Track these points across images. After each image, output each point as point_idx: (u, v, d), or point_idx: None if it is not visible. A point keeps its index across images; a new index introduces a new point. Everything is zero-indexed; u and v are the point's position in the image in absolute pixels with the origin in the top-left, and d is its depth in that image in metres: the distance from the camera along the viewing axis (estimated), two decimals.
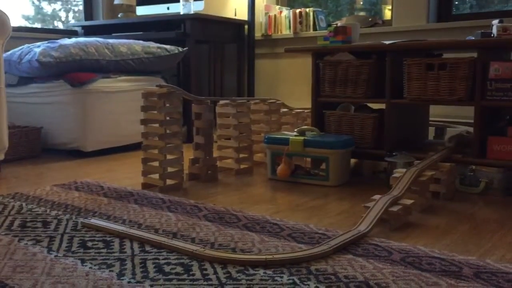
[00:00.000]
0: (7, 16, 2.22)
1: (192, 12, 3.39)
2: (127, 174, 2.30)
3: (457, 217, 1.62)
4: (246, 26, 3.67)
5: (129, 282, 1.08)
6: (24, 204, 1.73)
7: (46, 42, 2.82)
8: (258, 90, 3.79)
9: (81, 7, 4.22)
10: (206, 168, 2.15)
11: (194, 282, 1.08)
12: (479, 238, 1.41)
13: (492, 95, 1.89)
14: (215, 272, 1.14)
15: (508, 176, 1.90)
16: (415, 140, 2.39)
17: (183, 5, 3.41)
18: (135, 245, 1.31)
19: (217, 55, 3.78)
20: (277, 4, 3.82)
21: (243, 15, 3.72)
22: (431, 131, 2.60)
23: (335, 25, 2.26)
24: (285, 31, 3.59)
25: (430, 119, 2.61)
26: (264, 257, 1.19)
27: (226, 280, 1.10)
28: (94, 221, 1.49)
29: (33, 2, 4.00)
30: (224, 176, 2.25)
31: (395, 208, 1.49)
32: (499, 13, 2.92)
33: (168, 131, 1.98)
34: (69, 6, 4.25)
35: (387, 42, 2.10)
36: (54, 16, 4.18)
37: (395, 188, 1.62)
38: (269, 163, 2.18)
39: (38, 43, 2.83)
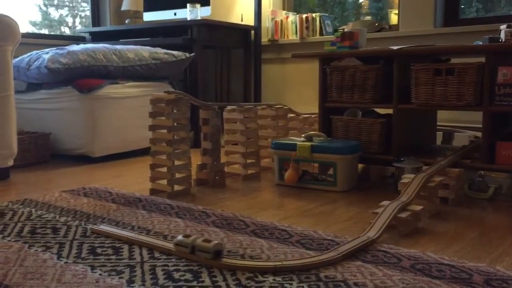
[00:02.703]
0: (16, 23, 2.24)
1: (199, 18, 3.41)
2: (135, 179, 2.31)
3: (466, 223, 1.61)
4: (252, 32, 3.68)
5: None
6: (33, 210, 1.74)
7: (55, 48, 2.84)
8: (265, 95, 3.80)
9: (88, 13, 4.25)
10: (214, 173, 2.16)
11: None
12: (489, 244, 1.40)
13: (501, 100, 1.89)
14: (225, 279, 1.14)
15: None
16: (422, 145, 2.39)
17: (190, 11, 3.43)
18: (144, 252, 1.32)
19: (224, 61, 3.79)
20: (284, 9, 3.83)
21: (249, 20, 3.74)
22: (439, 136, 2.59)
23: (342, 30, 2.27)
24: (292, 36, 3.60)
25: (438, 124, 2.60)
26: (273, 263, 1.19)
27: (236, 287, 1.10)
28: (103, 227, 1.49)
29: (40, 8, 4.03)
30: (231, 182, 2.25)
31: (404, 214, 1.49)
32: (505, 17, 2.92)
33: (176, 137, 1.99)
34: (76, 12, 4.28)
35: (394, 47, 2.10)
36: (61, 22, 4.22)
37: (404, 194, 1.62)
38: (277, 169, 2.18)
39: (47, 50, 2.86)
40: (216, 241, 1.25)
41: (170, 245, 1.32)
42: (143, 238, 1.39)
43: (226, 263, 1.20)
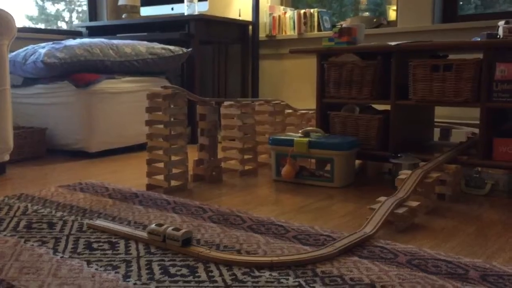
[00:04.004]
0: (12, 17, 2.23)
1: (196, 13, 3.40)
2: (131, 175, 2.30)
3: (462, 219, 1.61)
4: (250, 27, 3.67)
5: (135, 283, 1.08)
6: (29, 205, 1.73)
7: (51, 43, 2.82)
8: (263, 91, 3.79)
9: (84, 8, 4.23)
10: (211, 169, 2.15)
11: (200, 284, 1.08)
12: (485, 240, 1.41)
13: (498, 96, 1.89)
14: (221, 274, 1.14)
15: None
16: (420, 141, 2.39)
17: (187, 5, 3.41)
18: (141, 247, 1.31)
19: (221, 56, 3.78)
20: (282, 4, 3.82)
21: (247, 15, 3.72)
22: (437, 132, 2.59)
23: (340, 26, 2.26)
24: (290, 32, 3.59)
25: (436, 120, 2.60)
26: (269, 259, 1.19)
27: (232, 282, 1.09)
28: (100, 222, 1.49)
29: (36, 2, 4.01)
30: (228, 177, 2.25)
31: (400, 210, 1.49)
32: (504, 14, 2.91)
33: (173, 132, 1.99)
34: (73, 6, 4.26)
35: (392, 43, 2.10)
36: (58, 16, 4.19)
37: (401, 190, 1.62)
38: (274, 164, 2.18)
39: (43, 44, 2.84)
40: (184, 230, 1.29)
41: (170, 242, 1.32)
42: (140, 233, 1.38)
43: (223, 258, 1.20)
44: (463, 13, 3.12)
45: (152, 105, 1.99)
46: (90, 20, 4.18)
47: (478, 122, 1.97)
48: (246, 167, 2.33)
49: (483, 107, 1.92)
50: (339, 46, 2.24)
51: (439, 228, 1.51)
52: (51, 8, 4.14)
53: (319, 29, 3.50)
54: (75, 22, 4.25)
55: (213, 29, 3.41)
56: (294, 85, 3.63)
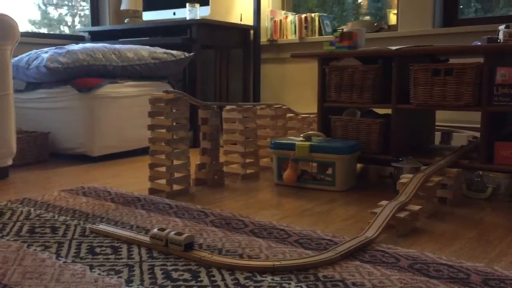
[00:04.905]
0: (15, 22, 2.24)
1: (198, 18, 3.41)
2: (134, 179, 2.31)
3: (464, 223, 1.61)
4: (251, 31, 3.68)
5: None
6: (32, 209, 1.74)
7: (54, 47, 2.84)
8: (264, 95, 3.80)
9: (87, 12, 4.25)
10: (213, 173, 2.16)
11: None
12: (486, 244, 1.41)
13: (499, 100, 1.89)
14: (223, 279, 1.14)
15: None
16: (421, 145, 2.39)
17: (189, 10, 3.43)
18: (143, 251, 1.32)
19: (223, 60, 3.79)
20: (283, 9, 3.83)
21: (248, 20, 3.74)
22: (438, 136, 2.59)
23: (341, 30, 2.27)
24: (291, 36, 3.60)
25: (437, 124, 2.60)
26: (271, 263, 1.20)
27: (234, 286, 1.10)
28: (102, 226, 1.50)
29: (39, 7, 4.03)
30: (230, 181, 2.25)
31: (402, 214, 1.49)
32: (504, 18, 2.92)
33: (175, 137, 1.99)
34: (75, 11, 4.28)
35: (393, 48, 2.11)
36: (61, 21, 4.21)
37: (402, 194, 1.62)
38: (276, 168, 2.18)
39: (46, 49, 2.86)
40: (187, 234, 1.29)
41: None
42: (142, 237, 1.39)
43: (225, 262, 1.21)
44: (463, 17, 3.13)
45: (154, 109, 2.00)
46: (93, 24, 4.20)
47: (479, 126, 1.97)
48: (248, 171, 2.34)
49: (484, 111, 1.93)
50: (340, 50, 2.25)
51: (440, 232, 1.51)
52: (53, 13, 4.16)
53: (320, 34, 3.51)
54: (78, 26, 4.27)
55: (215, 34, 3.42)
56: (295, 89, 3.64)
